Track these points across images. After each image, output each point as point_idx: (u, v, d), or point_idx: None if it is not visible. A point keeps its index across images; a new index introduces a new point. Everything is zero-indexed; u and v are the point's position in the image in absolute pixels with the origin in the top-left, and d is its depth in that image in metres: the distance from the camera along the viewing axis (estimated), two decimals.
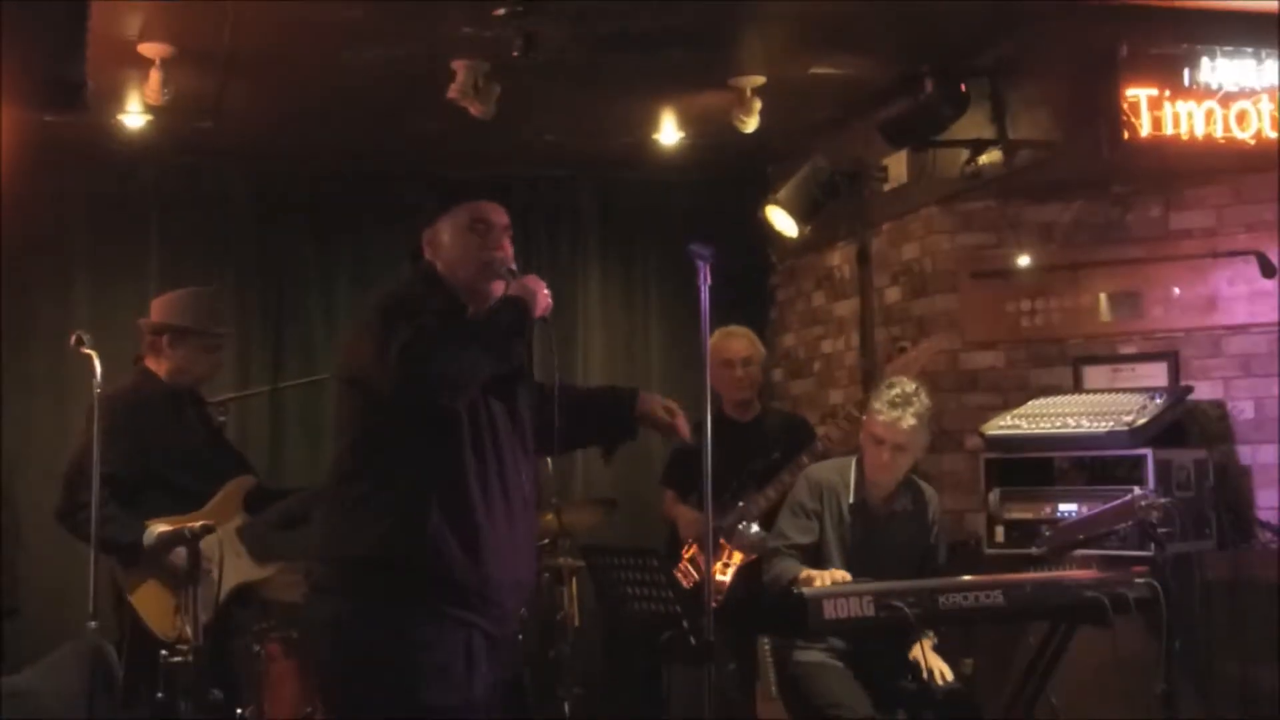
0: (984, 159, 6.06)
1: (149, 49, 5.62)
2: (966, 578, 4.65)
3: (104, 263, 7.28)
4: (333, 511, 3.71)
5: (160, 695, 3.61)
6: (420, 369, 3.49)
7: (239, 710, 5.76)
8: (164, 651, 3.56)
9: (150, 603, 5.03)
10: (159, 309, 5.46)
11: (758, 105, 6.28)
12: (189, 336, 5.38)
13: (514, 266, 3.90)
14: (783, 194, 6.57)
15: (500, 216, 3.97)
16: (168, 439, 5.25)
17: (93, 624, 4.43)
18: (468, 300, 3.90)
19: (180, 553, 4.69)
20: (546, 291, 3.83)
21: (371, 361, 3.58)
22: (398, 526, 3.60)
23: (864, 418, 5.18)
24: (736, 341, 6.23)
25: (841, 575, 4.85)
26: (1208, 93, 5.64)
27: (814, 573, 4.92)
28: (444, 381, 3.56)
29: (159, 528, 3.50)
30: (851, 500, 5.18)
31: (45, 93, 4.07)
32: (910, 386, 5.10)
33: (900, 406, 5.01)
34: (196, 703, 3.40)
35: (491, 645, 3.73)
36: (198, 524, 3.49)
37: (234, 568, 5.09)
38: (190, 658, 3.34)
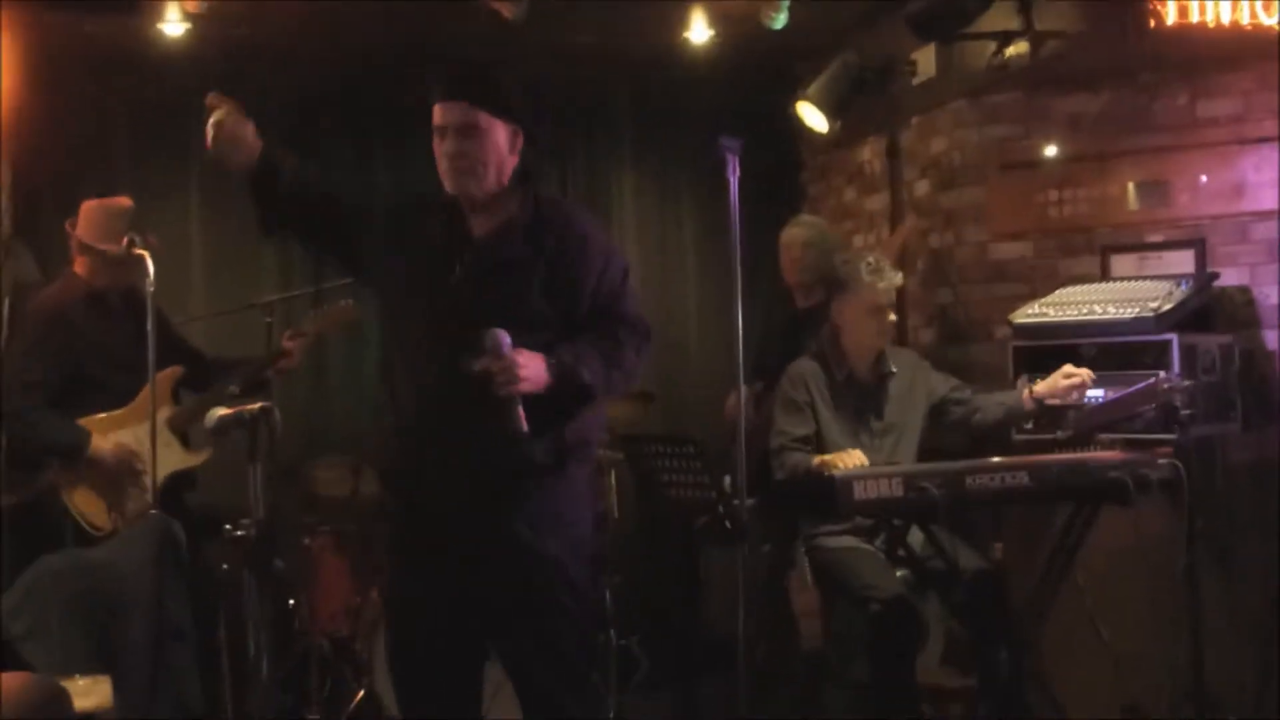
0: (1010, 51, 6.06)
1: None
2: (994, 459, 4.79)
3: (146, 171, 7.30)
4: None
5: (225, 566, 3.79)
6: None
7: (290, 601, 5.98)
8: (227, 525, 3.72)
9: (87, 502, 5.31)
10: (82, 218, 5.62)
11: (785, 1, 6.32)
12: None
13: (479, 170, 3.70)
14: (813, 90, 6.60)
15: (449, 114, 3.70)
16: (93, 339, 5.39)
17: (153, 511, 4.64)
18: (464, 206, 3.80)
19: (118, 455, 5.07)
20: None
21: None
22: None
23: (852, 295, 5.37)
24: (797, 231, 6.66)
25: (858, 456, 5.01)
26: None
27: (828, 458, 5.08)
28: None
29: (220, 411, 3.61)
30: (840, 379, 5.38)
31: None
32: (871, 256, 5.49)
33: (887, 271, 5.37)
34: (259, 573, 3.57)
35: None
36: (255, 406, 3.60)
37: (165, 458, 5.21)
38: (252, 530, 3.50)
